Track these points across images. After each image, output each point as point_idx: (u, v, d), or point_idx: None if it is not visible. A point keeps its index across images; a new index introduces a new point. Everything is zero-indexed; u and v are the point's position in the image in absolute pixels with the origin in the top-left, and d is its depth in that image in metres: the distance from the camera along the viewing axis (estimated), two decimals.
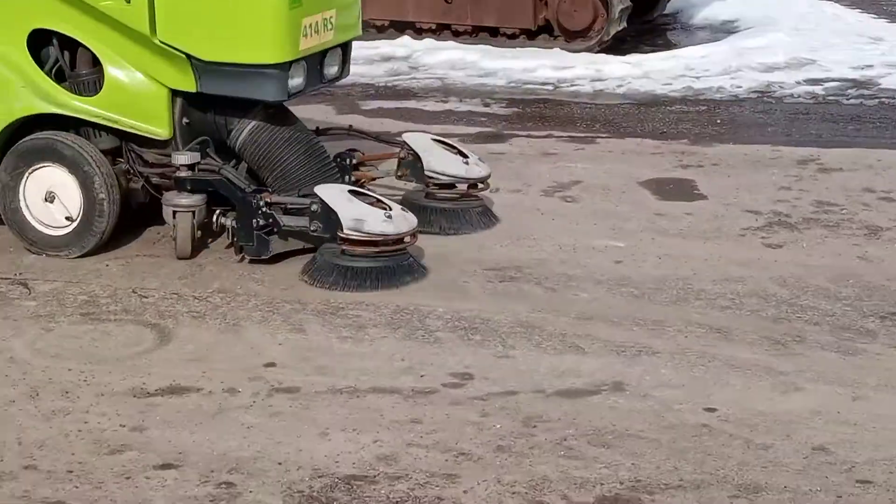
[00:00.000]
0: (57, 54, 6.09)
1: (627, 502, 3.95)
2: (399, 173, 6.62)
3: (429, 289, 5.66)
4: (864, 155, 7.88)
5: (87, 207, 5.91)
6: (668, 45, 11.64)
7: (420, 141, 6.58)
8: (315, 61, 6.06)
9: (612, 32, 11.07)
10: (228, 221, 5.86)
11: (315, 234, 5.74)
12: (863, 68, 10.45)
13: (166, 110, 5.94)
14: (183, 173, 5.90)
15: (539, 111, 9.24)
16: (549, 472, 4.11)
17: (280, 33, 5.77)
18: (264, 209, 5.74)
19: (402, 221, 5.70)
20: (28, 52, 5.99)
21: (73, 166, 5.90)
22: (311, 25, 5.90)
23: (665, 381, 4.79)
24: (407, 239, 5.72)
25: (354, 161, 6.45)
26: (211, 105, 6.01)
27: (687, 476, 4.09)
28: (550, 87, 9.97)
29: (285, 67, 5.81)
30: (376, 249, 5.64)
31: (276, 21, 5.75)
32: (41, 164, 5.95)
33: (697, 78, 10.17)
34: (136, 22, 5.76)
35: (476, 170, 6.50)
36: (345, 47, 6.33)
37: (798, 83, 10.02)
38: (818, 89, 9.85)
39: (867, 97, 9.63)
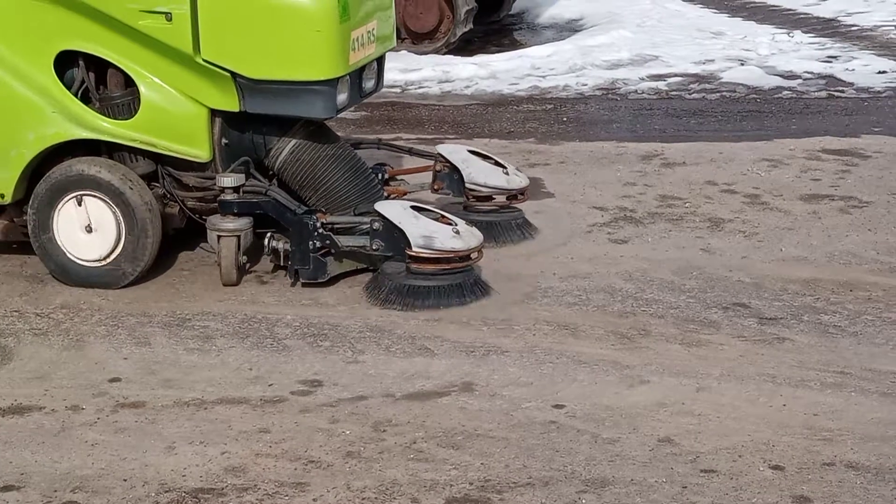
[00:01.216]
0: (84, 76, 5.78)
1: (476, 502, 3.96)
2: (435, 186, 6.44)
3: (277, 296, 5.61)
4: (706, 149, 8.03)
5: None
6: (515, 45, 11.74)
7: (457, 152, 6.42)
8: (356, 76, 5.84)
9: (459, 34, 11.13)
10: (281, 245, 5.67)
11: (377, 252, 5.57)
12: (704, 63, 10.66)
13: (206, 132, 5.70)
14: (228, 196, 5.69)
15: (387, 114, 9.24)
16: (399, 476, 4.10)
17: (332, 48, 5.55)
18: (321, 230, 5.55)
19: (470, 237, 5.54)
20: (55, 75, 5.72)
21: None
22: (357, 39, 5.73)
23: (514, 379, 4.82)
24: (474, 255, 5.56)
25: (385, 176, 6.31)
26: (250, 124, 5.77)
27: (535, 473, 4.12)
28: (398, 90, 9.98)
29: (334, 83, 5.61)
30: (448, 266, 5.49)
31: (329, 36, 5.53)
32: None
33: (543, 77, 10.27)
34: (178, 41, 5.51)
35: (517, 180, 6.35)
36: (380, 60, 6.15)
37: (642, 79, 10.18)
38: (661, 85, 10.01)
39: (709, 91, 9.81)
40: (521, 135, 8.52)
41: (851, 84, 10.05)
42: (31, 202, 5.73)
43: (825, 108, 9.26)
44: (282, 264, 5.73)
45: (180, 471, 4.15)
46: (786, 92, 9.82)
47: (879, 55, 11.09)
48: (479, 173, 6.29)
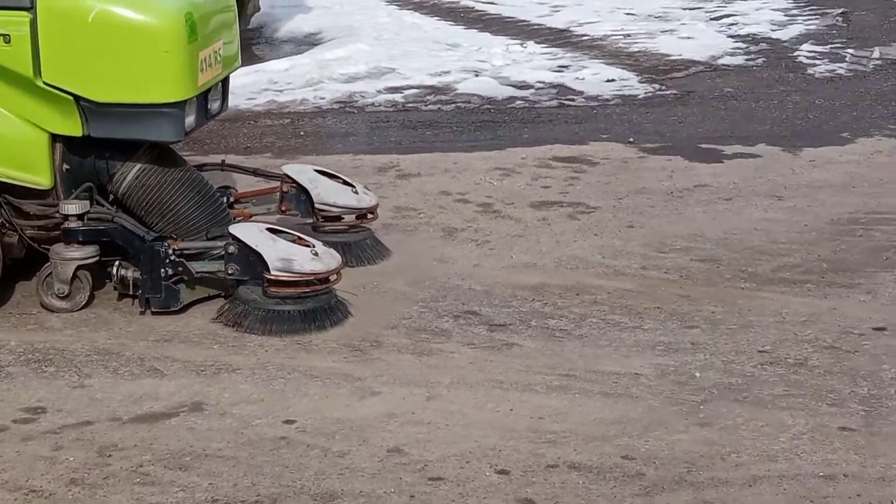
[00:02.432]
0: None
1: None
2: (283, 208, 6.25)
3: (0, 322, 5.45)
4: (440, 159, 8.13)
5: None
6: (253, 60, 11.66)
7: (304, 172, 6.24)
8: (202, 97, 5.63)
9: None
10: (130, 273, 5.44)
11: (231, 277, 5.40)
12: (440, 74, 10.80)
13: (47, 157, 5.43)
14: (73, 224, 5.44)
15: None
16: (124, 501, 4.02)
17: (180, 69, 5.35)
18: (173, 257, 5.36)
19: (329, 258, 5.40)
20: None
21: None
22: (205, 59, 5.51)
23: (245, 396, 4.79)
24: (333, 277, 5.43)
25: (231, 199, 6.08)
26: (92, 149, 5.52)
27: (264, 490, 4.10)
28: None
29: (182, 105, 5.40)
30: (307, 289, 5.35)
31: (177, 56, 5.32)
32: None
33: (281, 91, 10.24)
34: (17, 63, 5.25)
35: (366, 199, 6.22)
36: (224, 81, 5.93)
37: (379, 92, 10.25)
38: (398, 97, 10.10)
39: (444, 102, 9.94)
40: (258, 150, 8.47)
41: (581, 93, 10.32)
42: None
43: (556, 117, 9.49)
44: (131, 293, 5.54)
45: None
46: (519, 101, 10.02)
47: (609, 64, 11.43)
48: (328, 193, 6.19)
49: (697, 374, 4.95)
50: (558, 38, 12.64)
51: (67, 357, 5.12)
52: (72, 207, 5.49)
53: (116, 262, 5.53)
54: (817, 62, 11.52)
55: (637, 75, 11.00)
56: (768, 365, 5.04)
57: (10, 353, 5.14)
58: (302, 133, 9.02)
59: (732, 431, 4.48)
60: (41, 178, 5.50)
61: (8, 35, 5.26)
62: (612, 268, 6.18)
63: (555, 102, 10.00)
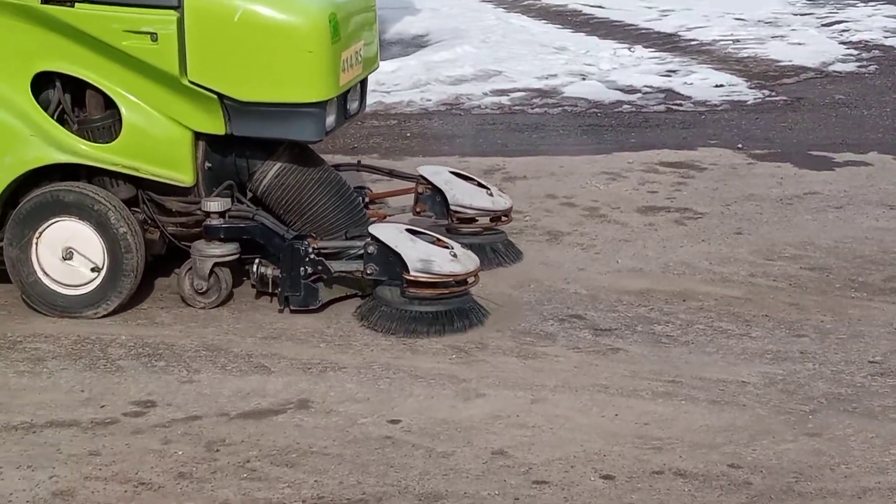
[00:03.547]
0: (60, 98, 5.56)
1: None
2: (417, 209, 6.31)
3: (111, 316, 5.53)
4: (546, 162, 8.12)
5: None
6: None
7: (439, 174, 6.29)
8: (341, 97, 5.67)
9: None
10: (269, 271, 5.53)
11: (370, 277, 5.44)
12: (547, 78, 10.79)
13: (190, 155, 5.52)
14: (215, 221, 5.54)
15: None
16: (231, 496, 4.06)
17: (324, 69, 5.39)
18: (312, 256, 5.43)
19: (467, 260, 5.42)
20: (33, 97, 5.49)
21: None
22: (347, 59, 5.57)
23: (350, 395, 4.81)
24: (471, 279, 5.45)
25: (366, 199, 6.15)
26: (233, 147, 5.60)
27: (369, 489, 4.11)
28: None
29: (324, 105, 5.44)
30: (446, 291, 5.37)
31: (321, 56, 5.36)
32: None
33: (388, 92, 10.30)
34: (163, 62, 5.32)
35: (501, 201, 6.25)
36: (363, 81, 6.00)
37: (485, 94, 10.26)
38: (504, 99, 10.10)
39: (551, 106, 9.93)
40: (364, 150, 8.53)
41: (689, 98, 10.26)
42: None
43: (663, 122, 9.43)
44: (270, 291, 5.60)
45: (6, 496, 4.06)
46: (625, 106, 9.98)
47: (717, 69, 11.35)
48: (463, 195, 6.19)
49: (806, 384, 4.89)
50: (666, 42, 12.58)
51: (177, 352, 5.19)
52: (214, 205, 5.53)
53: (256, 260, 5.56)
54: None
55: (746, 81, 10.91)
56: (878, 376, 4.96)
57: (121, 347, 5.23)
58: (409, 134, 9.06)
59: (842, 442, 4.41)
60: (184, 176, 5.55)
61: (155, 33, 5.31)
62: (720, 274, 6.12)
63: (662, 107, 9.95)
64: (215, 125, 5.46)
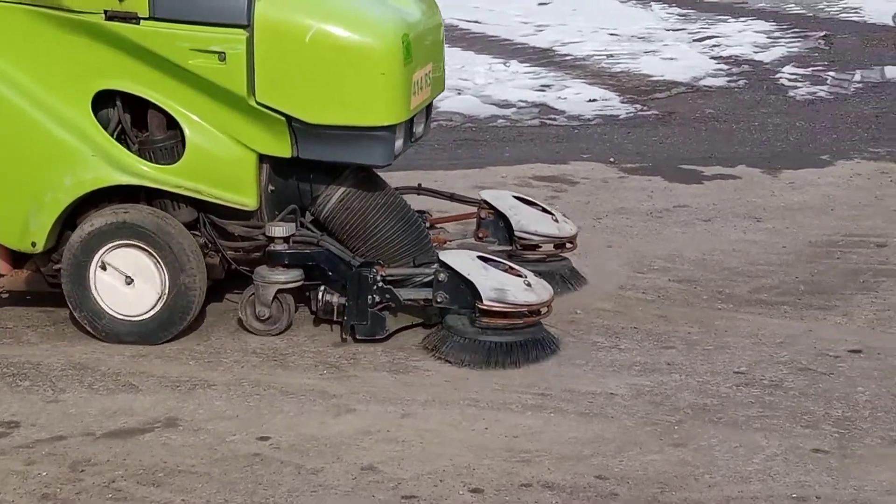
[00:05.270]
0: (120, 117, 5.39)
1: None
2: (479, 234, 6.13)
3: None
4: (420, 177, 8.13)
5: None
6: None
7: (503, 198, 6.12)
8: (408, 120, 5.49)
9: None
10: (335, 299, 5.33)
11: (440, 305, 5.27)
12: None
13: (254, 178, 5.34)
14: (279, 246, 5.35)
15: None
16: None
17: (395, 92, 5.24)
18: (380, 283, 5.26)
19: (542, 290, 5.25)
20: (93, 116, 5.30)
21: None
22: (417, 82, 5.42)
23: (219, 412, 4.78)
24: (543, 310, 5.29)
25: (426, 223, 5.96)
26: (296, 170, 5.45)
27: None
28: None
29: (393, 129, 5.29)
30: (519, 321, 5.21)
31: (393, 79, 5.21)
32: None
33: None
34: (231, 82, 5.15)
35: (567, 227, 6.08)
36: (429, 104, 5.83)
37: None
38: None
39: None
40: None
41: (563, 112, 10.37)
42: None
43: (537, 136, 9.52)
44: (335, 319, 5.41)
45: None
46: (500, 120, 10.06)
47: (591, 84, 11.49)
48: (529, 221, 6.05)
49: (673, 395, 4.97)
50: (541, 57, 12.70)
51: (42, 371, 5.11)
52: (279, 230, 5.37)
53: (322, 288, 5.37)
54: (798, 84, 11.58)
55: (619, 95, 11.05)
56: (743, 386, 5.05)
57: None
58: None
59: (706, 452, 4.48)
60: (248, 199, 5.38)
61: (223, 53, 5.15)
62: (590, 287, 6.18)
63: (536, 121, 10.04)
64: (281, 147, 5.31)
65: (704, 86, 11.58)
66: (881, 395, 4.96)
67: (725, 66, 12.42)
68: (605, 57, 12.84)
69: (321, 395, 4.93)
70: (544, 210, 6.15)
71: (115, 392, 4.95)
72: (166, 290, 5.32)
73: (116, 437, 4.57)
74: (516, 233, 6.05)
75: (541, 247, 6.10)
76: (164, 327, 5.35)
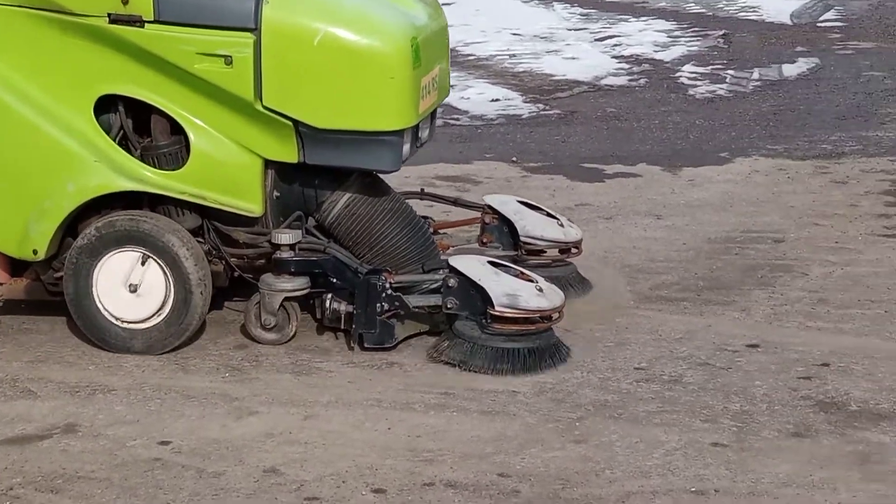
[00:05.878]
0: (122, 122, 5.27)
1: None
2: (484, 239, 5.99)
3: None
4: None
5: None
6: None
7: (507, 203, 6.01)
8: (414, 125, 5.39)
9: None
10: (343, 307, 5.20)
11: (449, 311, 5.19)
12: None
13: (260, 184, 5.23)
14: (285, 254, 5.24)
15: None
16: None
17: (405, 96, 5.15)
18: (389, 291, 5.15)
19: (553, 295, 5.18)
20: (96, 122, 5.15)
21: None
22: (426, 86, 5.31)
23: (120, 417, 4.74)
24: (555, 315, 5.21)
25: (430, 229, 5.81)
26: (301, 176, 5.33)
27: None
28: None
29: (402, 134, 5.20)
30: (532, 327, 5.14)
31: (402, 83, 5.12)
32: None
33: None
34: (237, 86, 5.04)
35: (572, 232, 5.99)
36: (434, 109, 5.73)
37: None
38: None
39: None
40: None
41: (466, 112, 10.40)
42: (68, 258, 5.22)
43: (440, 136, 9.48)
44: (343, 327, 5.33)
45: None
46: None
47: (494, 83, 11.53)
48: (534, 226, 5.96)
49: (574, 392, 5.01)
50: None
51: None
52: (285, 237, 5.27)
53: (329, 295, 5.29)
54: (698, 83, 11.71)
55: (522, 95, 11.11)
56: (644, 382, 5.10)
57: None
58: None
59: (607, 448, 4.53)
60: (253, 206, 5.29)
61: (230, 56, 5.05)
62: None
63: (440, 121, 10.03)
64: (288, 153, 5.22)
65: (606, 85, 11.67)
66: (778, 388, 5.04)
67: (626, 66, 12.53)
68: (507, 57, 12.90)
69: (223, 398, 4.91)
70: (549, 214, 6.10)
71: (12, 398, 4.89)
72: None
73: (14, 444, 4.51)
74: (522, 238, 5.98)
75: (546, 252, 6.06)
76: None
